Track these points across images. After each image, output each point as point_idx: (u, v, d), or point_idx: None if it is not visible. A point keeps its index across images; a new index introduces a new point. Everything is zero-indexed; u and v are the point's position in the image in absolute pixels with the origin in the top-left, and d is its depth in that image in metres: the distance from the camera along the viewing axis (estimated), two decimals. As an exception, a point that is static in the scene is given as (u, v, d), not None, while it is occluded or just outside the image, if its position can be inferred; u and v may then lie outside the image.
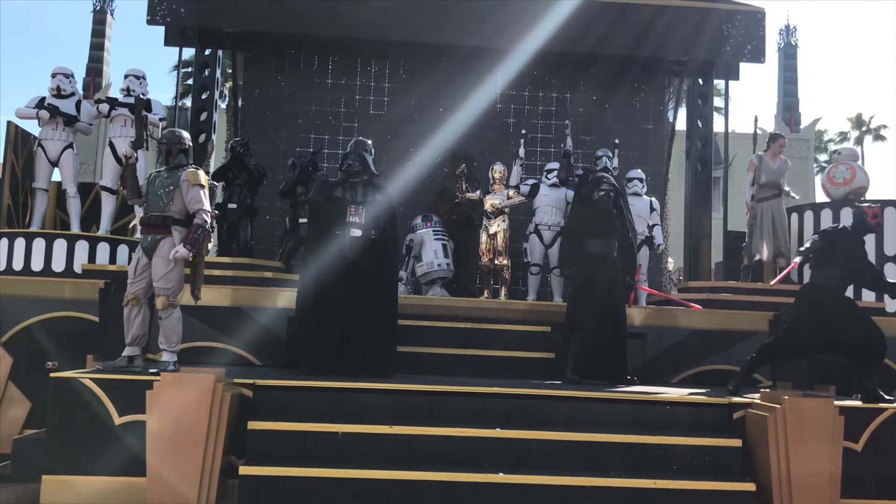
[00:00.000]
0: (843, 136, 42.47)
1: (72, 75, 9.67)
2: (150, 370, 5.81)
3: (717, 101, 15.48)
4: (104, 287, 7.57)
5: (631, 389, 6.61)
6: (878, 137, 42.51)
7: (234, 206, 9.41)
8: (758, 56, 10.40)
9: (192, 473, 5.19)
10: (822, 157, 39.15)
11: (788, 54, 32.23)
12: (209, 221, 6.08)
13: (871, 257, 9.71)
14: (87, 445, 5.49)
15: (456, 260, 9.75)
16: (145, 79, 9.78)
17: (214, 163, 11.45)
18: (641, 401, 6.18)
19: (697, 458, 5.76)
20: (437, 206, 10.06)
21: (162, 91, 54.09)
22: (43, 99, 9.37)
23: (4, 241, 8.64)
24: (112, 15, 29.27)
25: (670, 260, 15.66)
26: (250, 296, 7.84)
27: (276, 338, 7.57)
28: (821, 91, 79.93)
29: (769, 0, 10.43)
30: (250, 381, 5.88)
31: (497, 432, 5.72)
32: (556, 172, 9.66)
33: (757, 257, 9.81)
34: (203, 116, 10.74)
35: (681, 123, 13.21)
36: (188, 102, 17.46)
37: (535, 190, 9.69)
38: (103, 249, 8.88)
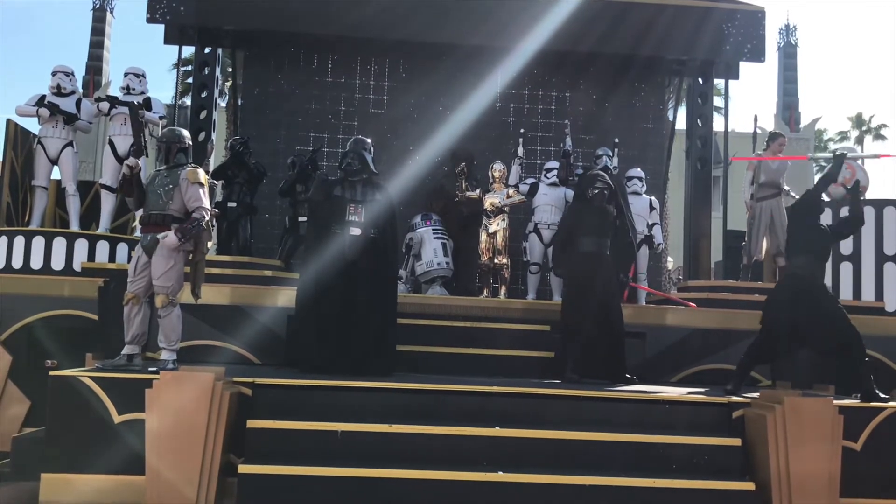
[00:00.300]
0: (843, 136, 42.43)
1: (72, 73, 9.66)
2: (150, 369, 5.81)
3: (717, 101, 15.46)
4: (103, 285, 7.59)
5: (630, 389, 6.61)
6: (879, 137, 42.47)
7: (234, 204, 9.39)
8: (758, 55, 10.39)
9: (192, 472, 5.19)
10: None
11: (788, 54, 32.19)
12: (208, 219, 6.09)
13: (871, 257, 9.78)
14: (86, 444, 5.49)
15: (455, 259, 9.76)
16: (145, 77, 9.77)
17: (214, 161, 11.44)
18: (641, 400, 6.18)
19: (697, 457, 5.77)
20: (433, 204, 10.07)
21: (162, 89, 54.29)
22: (43, 97, 9.36)
23: (4, 239, 8.63)
24: (112, 13, 29.23)
25: (670, 259, 15.67)
26: (250, 294, 7.84)
27: (276, 337, 7.57)
28: (821, 90, 79.88)
29: (769, 0, 10.41)
30: (250, 380, 5.87)
31: (496, 431, 5.72)
32: (555, 171, 9.67)
33: (756, 257, 9.81)
34: (203, 115, 10.72)
35: (681, 122, 13.22)
36: (188, 101, 17.44)
37: (534, 189, 9.69)
38: (103, 248, 8.88)
